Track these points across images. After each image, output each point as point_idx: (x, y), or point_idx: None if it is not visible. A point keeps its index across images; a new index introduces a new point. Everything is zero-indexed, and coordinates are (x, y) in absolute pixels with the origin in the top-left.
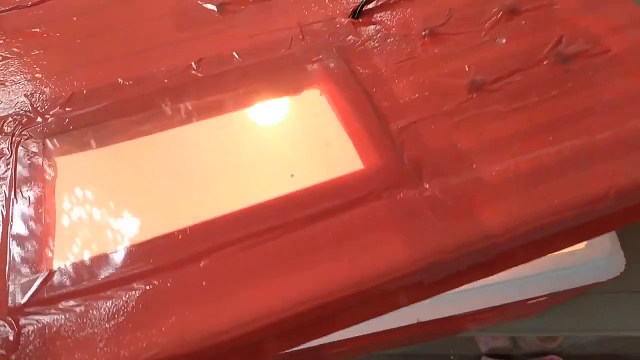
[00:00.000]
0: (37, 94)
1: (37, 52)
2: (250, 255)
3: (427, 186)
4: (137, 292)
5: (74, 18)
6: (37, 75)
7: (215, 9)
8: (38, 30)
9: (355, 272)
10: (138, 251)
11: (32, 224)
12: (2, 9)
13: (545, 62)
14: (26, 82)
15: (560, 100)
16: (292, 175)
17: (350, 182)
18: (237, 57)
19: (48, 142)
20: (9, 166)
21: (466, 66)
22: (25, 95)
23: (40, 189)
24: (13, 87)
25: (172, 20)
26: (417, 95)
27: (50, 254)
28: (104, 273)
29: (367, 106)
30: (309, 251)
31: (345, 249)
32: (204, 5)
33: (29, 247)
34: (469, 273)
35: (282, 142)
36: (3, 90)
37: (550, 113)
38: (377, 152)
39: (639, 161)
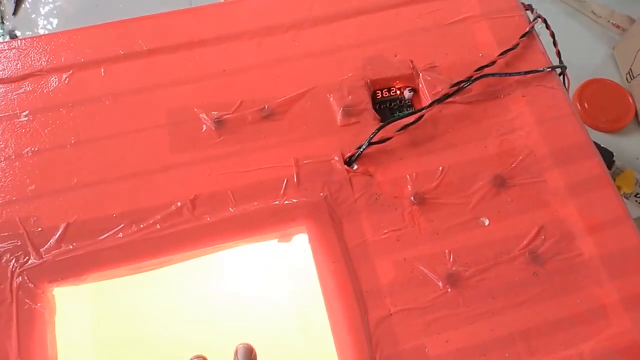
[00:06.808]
0: (32, 220)
1: (27, 155)
2: None
3: None
4: None
5: (62, 110)
6: (29, 190)
7: (213, 126)
8: (26, 120)
9: None
10: None
11: None
12: None
13: (518, 260)
14: (19, 199)
15: (523, 310)
16: None
17: None
18: (232, 198)
19: (47, 285)
20: (11, 315)
21: (446, 251)
22: (20, 220)
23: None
24: (7, 206)
25: (167, 133)
26: (397, 279)
27: None
28: None
29: (351, 289)
30: None
31: None
32: (201, 115)
33: None
34: None
35: (267, 320)
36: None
37: (511, 324)
38: (354, 351)
39: None
